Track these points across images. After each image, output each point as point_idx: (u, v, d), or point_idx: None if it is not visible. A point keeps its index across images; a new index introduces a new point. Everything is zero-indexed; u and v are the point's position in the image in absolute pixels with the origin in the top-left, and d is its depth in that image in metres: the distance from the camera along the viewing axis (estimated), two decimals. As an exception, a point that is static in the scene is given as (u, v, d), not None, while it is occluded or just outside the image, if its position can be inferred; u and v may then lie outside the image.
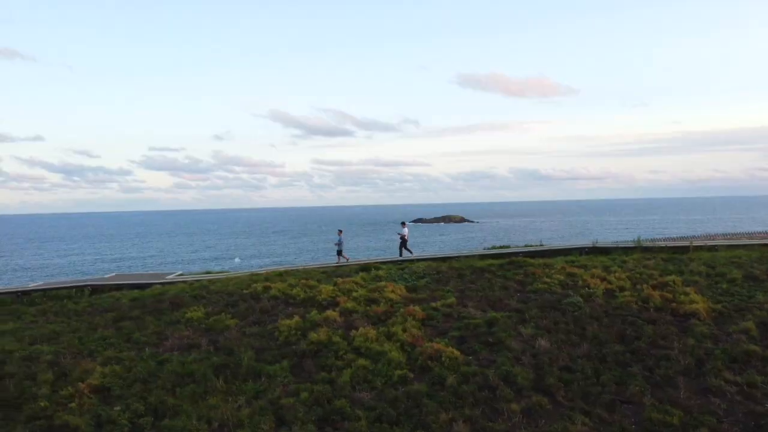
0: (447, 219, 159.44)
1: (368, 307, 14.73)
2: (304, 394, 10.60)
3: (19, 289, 20.41)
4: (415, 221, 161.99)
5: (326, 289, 16.10)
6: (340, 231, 24.83)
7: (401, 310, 14.10)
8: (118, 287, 20.26)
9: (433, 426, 9.56)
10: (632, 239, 24.13)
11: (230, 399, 10.77)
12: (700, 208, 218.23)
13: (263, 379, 11.57)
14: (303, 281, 17.42)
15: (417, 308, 14.11)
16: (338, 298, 15.36)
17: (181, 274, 22.87)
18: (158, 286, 19.68)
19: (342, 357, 12.02)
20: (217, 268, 60.96)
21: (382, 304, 14.85)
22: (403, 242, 24.77)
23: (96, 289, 20.05)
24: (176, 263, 67.69)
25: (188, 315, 15.32)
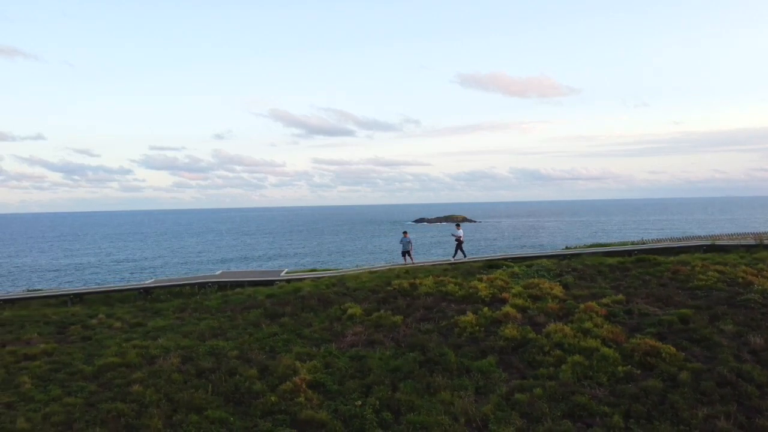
0: (449, 219, 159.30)
1: (536, 304, 14.64)
2: (537, 390, 10.51)
3: (141, 286, 20.38)
4: (417, 221, 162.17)
5: (481, 286, 16.00)
6: (406, 232, 24.31)
7: (580, 306, 14.01)
8: (240, 284, 20.20)
9: (692, 422, 9.44)
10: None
11: (457, 395, 10.68)
12: (706, 209, 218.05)
13: (475, 374, 11.48)
14: (445, 278, 17.35)
15: (594, 304, 14.01)
16: (501, 295, 15.28)
17: (288, 272, 22.83)
18: (283, 283, 19.62)
19: (548, 353, 11.92)
20: (265, 266, 60.97)
21: (549, 300, 14.75)
22: (459, 244, 24.18)
23: (220, 287, 20.00)
24: (215, 262, 67.77)
25: (350, 312, 15.23)
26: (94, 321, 16.67)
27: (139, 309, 18.28)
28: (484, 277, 17.06)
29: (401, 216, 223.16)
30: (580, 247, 25.53)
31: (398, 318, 14.66)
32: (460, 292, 15.82)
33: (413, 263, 22.42)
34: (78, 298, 20.36)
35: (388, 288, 17.11)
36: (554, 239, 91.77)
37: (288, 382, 11.17)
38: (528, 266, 19.03)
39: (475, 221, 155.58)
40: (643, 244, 24.35)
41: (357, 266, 24.89)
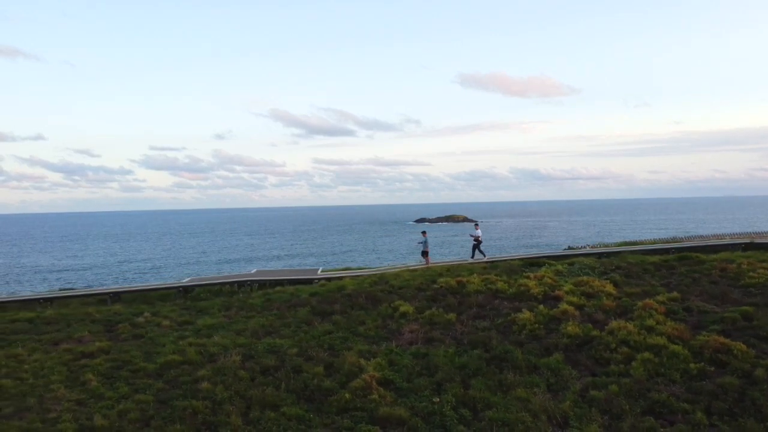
0: (450, 219, 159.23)
1: (590, 301, 14.59)
2: (613, 387, 10.46)
3: (180, 285, 20.36)
4: (417, 221, 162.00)
5: (531, 284, 15.96)
6: (424, 232, 23.77)
7: (638, 303, 13.96)
8: (279, 282, 20.17)
9: (778, 418, 9.39)
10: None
11: (531, 392, 10.64)
12: (710, 208, 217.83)
13: (544, 371, 11.45)
14: (490, 277, 17.32)
15: (652, 302, 13.95)
16: (554, 293, 15.24)
17: (324, 270, 22.80)
18: (323, 281, 19.59)
19: (615, 350, 11.87)
20: (280, 265, 60.93)
21: (604, 298, 14.71)
22: (477, 243, 23.73)
23: (259, 285, 19.97)
24: (221, 263, 67.78)
25: (401, 309, 15.20)
26: (140, 319, 16.64)
27: (182, 307, 18.25)
28: (531, 275, 17.01)
29: (402, 216, 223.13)
30: (613, 245, 25.43)
31: (452, 316, 14.63)
32: (510, 290, 15.78)
33: (426, 264, 22.13)
34: (117, 296, 20.35)
35: (435, 286, 17.08)
36: (558, 239, 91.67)
37: (358, 380, 11.14)
38: (569, 264, 18.97)
39: (475, 221, 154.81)
40: (678, 242, 24.27)
41: (389, 265, 24.77)
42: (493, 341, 12.79)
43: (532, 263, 19.39)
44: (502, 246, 75.38)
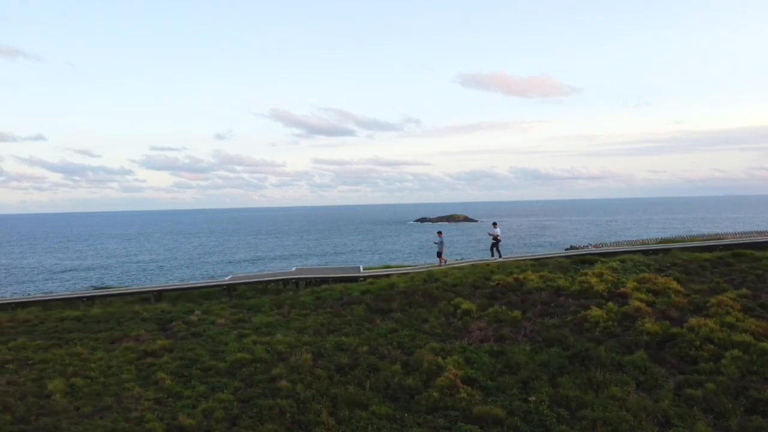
0: (451, 218, 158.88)
1: (659, 298, 14.32)
2: (710, 385, 10.19)
3: (225, 283, 20.11)
4: (418, 220, 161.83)
5: (594, 281, 15.68)
6: (440, 232, 23.21)
7: (711, 300, 13.68)
8: (324, 280, 19.91)
9: None
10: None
11: (624, 390, 10.36)
12: (712, 207, 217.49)
13: (630, 369, 11.16)
14: (545, 274, 17.05)
15: (725, 298, 13.67)
16: (619, 290, 14.97)
17: (366, 269, 22.54)
18: (370, 279, 19.33)
19: (701, 348, 11.60)
20: (281, 266, 60.66)
21: (672, 295, 14.42)
22: (496, 242, 23.04)
23: (305, 283, 19.72)
24: (228, 263, 67.64)
25: (464, 307, 14.93)
26: (193, 317, 16.38)
27: (231, 305, 17.99)
28: (590, 272, 16.72)
29: (403, 216, 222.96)
30: (652, 242, 25.13)
31: (517, 313, 14.35)
32: (573, 287, 15.51)
33: (440, 264, 21.74)
34: (159, 295, 20.11)
35: (490, 283, 16.80)
36: (566, 238, 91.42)
37: (441, 378, 10.88)
38: (621, 261, 18.66)
39: (476, 221, 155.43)
40: (721, 239, 23.97)
41: (425, 263, 24.49)
42: (569, 339, 12.52)
43: (583, 261, 19.08)
44: (508, 245, 75.20)
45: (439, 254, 22.39)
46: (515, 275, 16.86)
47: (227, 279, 21.67)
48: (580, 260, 19.37)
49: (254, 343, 13.46)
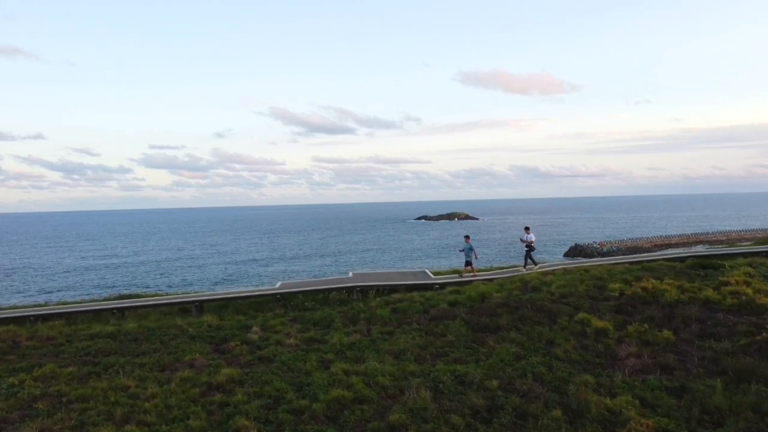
0: (452, 216, 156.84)
1: None
2: None
3: (278, 292, 17.27)
4: (419, 218, 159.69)
5: (749, 291, 12.84)
6: (468, 237, 20.40)
7: None
8: (394, 288, 17.07)
9: None
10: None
11: None
12: (714, 204, 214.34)
13: None
14: (674, 282, 14.20)
15: None
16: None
17: (434, 273, 19.72)
18: (450, 287, 16.50)
19: None
20: (304, 265, 58.02)
21: None
22: (530, 249, 20.21)
23: (374, 292, 16.90)
24: (235, 264, 65.09)
25: (594, 325, 12.07)
26: (252, 335, 13.59)
27: (290, 319, 15.22)
28: (733, 280, 13.87)
29: (403, 214, 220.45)
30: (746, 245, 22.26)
31: (667, 333, 11.49)
32: (728, 300, 12.63)
33: (470, 271, 18.98)
34: (200, 306, 17.30)
35: (611, 294, 13.96)
36: (579, 235, 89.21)
37: (624, 430, 8.02)
38: (750, 266, 15.82)
39: (476, 218, 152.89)
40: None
41: (491, 265, 21.64)
42: (765, 370, 9.66)
43: (703, 265, 16.22)
44: (512, 245, 72.23)
45: (468, 263, 19.38)
46: (642, 284, 14.00)
47: (277, 286, 18.82)
48: (698, 264, 16.49)
49: (345, 373, 10.62)
